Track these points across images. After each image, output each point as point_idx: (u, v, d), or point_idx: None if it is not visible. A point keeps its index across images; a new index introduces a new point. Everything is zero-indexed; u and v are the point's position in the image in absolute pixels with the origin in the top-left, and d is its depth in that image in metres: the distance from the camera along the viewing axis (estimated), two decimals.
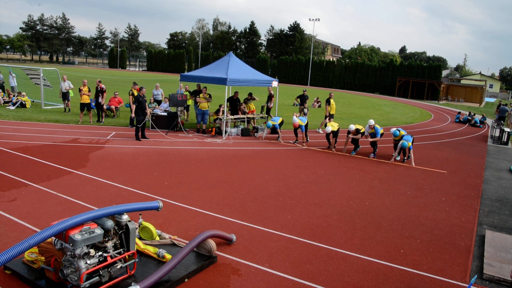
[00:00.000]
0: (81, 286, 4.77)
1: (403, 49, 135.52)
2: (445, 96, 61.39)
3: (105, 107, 18.84)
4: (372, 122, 14.47)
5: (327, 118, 18.97)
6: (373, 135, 14.51)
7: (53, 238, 5.03)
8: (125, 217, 5.33)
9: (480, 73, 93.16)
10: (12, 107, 20.57)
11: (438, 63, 66.97)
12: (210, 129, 17.03)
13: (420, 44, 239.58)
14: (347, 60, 79.68)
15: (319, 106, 31.70)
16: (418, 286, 5.73)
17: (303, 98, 21.01)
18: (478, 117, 28.63)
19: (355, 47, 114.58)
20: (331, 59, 78.34)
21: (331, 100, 19.30)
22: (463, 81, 74.13)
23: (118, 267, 5.22)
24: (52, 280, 5.17)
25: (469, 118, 28.27)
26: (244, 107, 18.08)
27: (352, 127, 14.73)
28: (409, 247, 6.99)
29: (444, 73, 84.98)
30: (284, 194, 9.41)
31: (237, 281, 5.63)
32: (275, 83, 18.19)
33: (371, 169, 12.48)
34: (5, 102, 21.61)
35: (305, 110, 20.80)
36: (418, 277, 5.99)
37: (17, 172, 9.84)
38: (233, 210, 8.24)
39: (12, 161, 10.86)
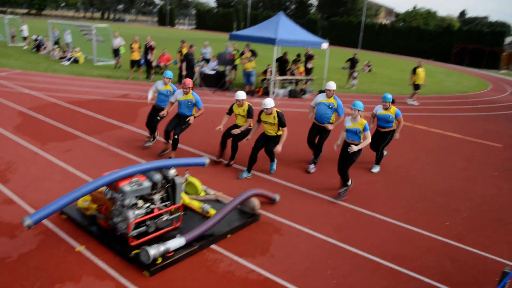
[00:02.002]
0: (129, 235, 5.00)
1: (462, 13, 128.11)
2: (507, 65, 57.88)
3: (154, 64, 19.10)
4: (332, 85, 8.42)
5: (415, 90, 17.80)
6: (329, 115, 8.47)
7: (105, 188, 5.26)
8: (172, 171, 5.48)
9: None
10: (66, 63, 21.24)
11: (501, 29, 62.97)
12: (257, 90, 16.97)
13: (482, 7, 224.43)
14: (401, 24, 76.41)
15: (370, 71, 30.84)
16: (461, 259, 5.62)
17: (353, 62, 20.48)
18: None
19: (410, 10, 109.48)
20: (384, 22, 75.36)
21: (418, 70, 17.44)
22: None
23: (164, 219, 5.41)
24: (102, 226, 5.45)
25: None
26: (294, 69, 17.84)
27: (272, 102, 7.62)
28: (454, 221, 6.82)
29: (508, 40, 79.78)
30: (328, 158, 9.34)
31: (278, 240, 5.72)
32: (325, 45, 17.76)
33: (420, 138, 12.11)
34: (60, 58, 22.34)
35: (355, 74, 20.33)
36: (462, 251, 5.86)
37: (71, 125, 10.27)
38: (277, 171, 8.29)
39: (67, 114, 11.32)
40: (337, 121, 8.53)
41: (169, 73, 8.83)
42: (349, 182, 7.35)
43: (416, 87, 17.55)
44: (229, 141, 8.43)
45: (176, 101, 8.42)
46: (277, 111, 7.69)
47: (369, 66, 31.48)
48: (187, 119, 8.32)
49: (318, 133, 8.67)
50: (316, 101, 8.62)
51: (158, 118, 8.79)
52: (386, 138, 8.82)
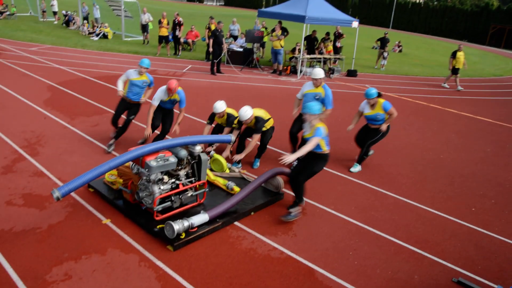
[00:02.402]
0: (154, 209, 5.08)
1: None
2: None
3: (182, 40, 19.10)
4: (318, 73, 7.18)
5: (453, 74, 16.67)
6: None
7: (131, 162, 5.33)
8: (198, 148, 5.51)
9: None
10: (95, 38, 21.44)
11: None
12: (285, 68, 16.81)
13: None
14: (435, 3, 74.00)
15: (400, 51, 30.13)
16: (486, 246, 5.50)
17: (383, 41, 20.02)
18: None
19: None
20: (417, 1, 73.16)
21: (458, 53, 16.43)
22: None
23: (189, 195, 5.47)
24: (128, 201, 5.55)
25: None
26: (323, 48, 17.57)
27: (248, 112, 7.06)
28: (482, 207, 6.66)
29: None
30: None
31: (302, 220, 5.71)
32: (355, 24, 17.38)
33: (451, 121, 11.82)
34: (89, 33, 22.57)
35: (385, 54, 19.89)
36: (488, 238, 5.73)
37: (99, 100, 10.41)
38: None
39: (95, 89, 11.48)
40: (322, 114, 6.63)
41: (146, 62, 7.24)
42: (302, 202, 5.89)
43: (455, 71, 16.64)
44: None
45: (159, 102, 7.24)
46: (256, 117, 7.05)
47: (399, 46, 30.76)
48: (174, 130, 7.40)
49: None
50: (303, 92, 7.44)
51: (131, 118, 7.59)
52: (376, 135, 7.40)
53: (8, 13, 27.55)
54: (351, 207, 6.20)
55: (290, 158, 5.14)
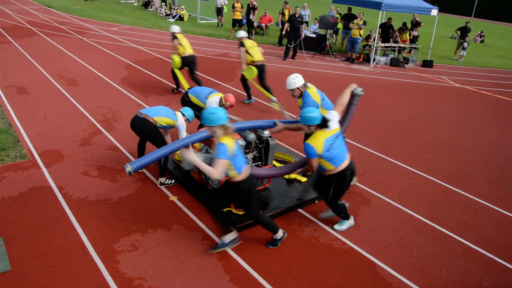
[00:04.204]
0: None
1: None
2: None
3: (255, 24, 19.14)
4: (292, 82, 5.77)
5: None
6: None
7: (201, 143, 5.45)
8: (266, 132, 5.52)
9: None
10: (172, 19, 22.06)
11: None
12: (358, 55, 16.36)
13: None
14: None
15: (482, 41, 28.27)
16: None
17: (464, 31, 18.85)
18: None
19: None
20: None
21: None
22: None
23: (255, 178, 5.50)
24: (195, 180, 5.68)
25: None
26: (398, 36, 16.88)
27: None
28: None
29: None
30: (427, 132, 8.84)
31: (366, 211, 5.58)
32: (434, 12, 16.51)
33: None
34: (166, 15, 23.24)
35: (465, 45, 18.76)
36: None
37: (172, 80, 10.70)
38: (371, 141, 8.03)
39: (169, 70, 11.77)
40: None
41: (191, 115, 6.05)
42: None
43: None
44: None
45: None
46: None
47: (481, 36, 28.84)
48: None
49: None
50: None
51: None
52: (327, 187, 4.80)
53: None
54: (418, 202, 5.96)
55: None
